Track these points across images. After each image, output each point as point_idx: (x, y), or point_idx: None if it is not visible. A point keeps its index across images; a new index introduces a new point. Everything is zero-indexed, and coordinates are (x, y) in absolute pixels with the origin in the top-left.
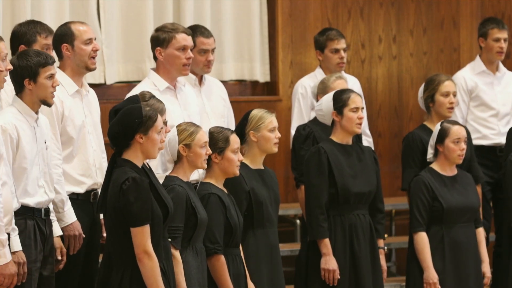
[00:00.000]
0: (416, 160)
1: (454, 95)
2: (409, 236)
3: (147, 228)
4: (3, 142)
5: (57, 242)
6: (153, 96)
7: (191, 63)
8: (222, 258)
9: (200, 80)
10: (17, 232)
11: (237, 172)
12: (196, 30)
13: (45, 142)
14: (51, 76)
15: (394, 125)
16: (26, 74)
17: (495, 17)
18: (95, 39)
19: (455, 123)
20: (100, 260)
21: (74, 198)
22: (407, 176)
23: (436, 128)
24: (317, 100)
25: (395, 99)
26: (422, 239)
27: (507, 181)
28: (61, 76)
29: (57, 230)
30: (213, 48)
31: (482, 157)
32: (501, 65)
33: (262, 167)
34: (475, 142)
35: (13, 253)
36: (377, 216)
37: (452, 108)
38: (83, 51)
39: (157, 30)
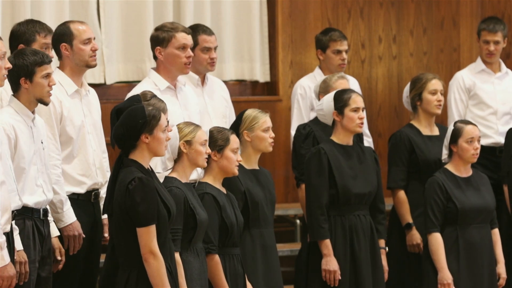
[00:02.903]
0: (403, 159)
1: (442, 93)
2: (402, 237)
3: (153, 228)
4: (1, 141)
5: (56, 243)
6: (154, 96)
7: (194, 63)
8: (216, 257)
9: (203, 80)
10: (17, 231)
11: (236, 172)
12: (197, 29)
13: (42, 142)
14: (48, 75)
15: (394, 125)
16: (23, 73)
17: (492, 18)
18: (94, 38)
19: (468, 122)
20: (102, 260)
21: (75, 198)
22: (393, 174)
23: (449, 128)
24: (319, 99)
25: (395, 99)
26: (436, 240)
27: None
28: (60, 76)
29: (54, 231)
30: (215, 46)
31: (481, 157)
32: (503, 65)
33: (257, 167)
34: None
35: None
36: (378, 217)
37: (440, 105)
38: (82, 51)
39: (156, 29)
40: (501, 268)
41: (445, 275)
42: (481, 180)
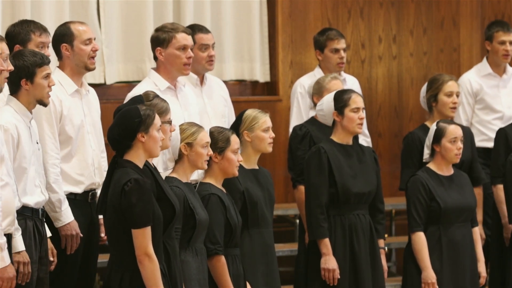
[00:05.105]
0: (415, 161)
1: (457, 95)
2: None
3: (148, 230)
4: (4, 142)
5: (48, 243)
6: (157, 96)
7: (193, 62)
8: (223, 258)
9: (202, 79)
10: (20, 232)
11: (236, 173)
12: (193, 28)
13: (37, 143)
14: (47, 76)
15: (394, 125)
16: (23, 74)
17: (501, 20)
18: (95, 39)
19: (451, 122)
20: (99, 261)
21: (72, 198)
22: (405, 176)
23: (432, 128)
24: (313, 100)
25: (395, 99)
26: (420, 239)
27: (508, 181)
28: (60, 75)
29: (47, 232)
30: (213, 43)
31: (488, 158)
32: (508, 68)
33: (257, 167)
34: (481, 144)
35: (17, 253)
36: (377, 216)
37: (455, 108)
38: (83, 51)
39: (157, 30)
40: (482, 267)
41: (429, 274)
42: (463, 179)
